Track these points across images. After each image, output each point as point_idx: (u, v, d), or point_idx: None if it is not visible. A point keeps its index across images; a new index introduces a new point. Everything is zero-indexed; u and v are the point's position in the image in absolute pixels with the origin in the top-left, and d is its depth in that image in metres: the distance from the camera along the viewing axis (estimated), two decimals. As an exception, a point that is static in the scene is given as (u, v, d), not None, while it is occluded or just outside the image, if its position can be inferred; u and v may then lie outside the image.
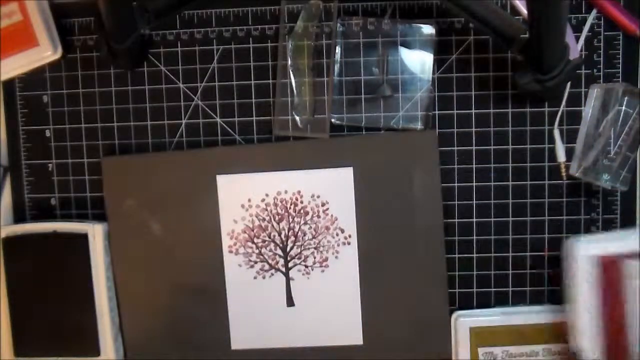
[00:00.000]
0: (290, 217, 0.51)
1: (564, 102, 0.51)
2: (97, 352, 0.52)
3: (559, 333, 0.50)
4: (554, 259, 0.52)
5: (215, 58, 0.53)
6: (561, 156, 0.51)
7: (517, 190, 0.52)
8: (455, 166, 0.52)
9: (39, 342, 0.53)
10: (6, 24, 0.51)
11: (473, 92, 0.52)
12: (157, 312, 0.53)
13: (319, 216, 0.51)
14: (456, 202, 0.52)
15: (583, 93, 0.51)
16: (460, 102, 0.52)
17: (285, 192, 0.51)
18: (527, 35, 0.44)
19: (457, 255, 0.52)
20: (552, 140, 0.51)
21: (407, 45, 0.51)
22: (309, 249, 0.51)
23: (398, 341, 0.51)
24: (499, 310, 0.52)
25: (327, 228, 0.51)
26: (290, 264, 0.52)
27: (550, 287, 0.52)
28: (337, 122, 0.52)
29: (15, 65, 0.52)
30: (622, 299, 0.46)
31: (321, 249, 0.51)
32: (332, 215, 0.51)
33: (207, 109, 0.53)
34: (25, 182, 0.55)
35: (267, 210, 0.51)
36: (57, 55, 0.52)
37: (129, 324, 0.53)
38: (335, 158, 0.51)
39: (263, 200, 0.51)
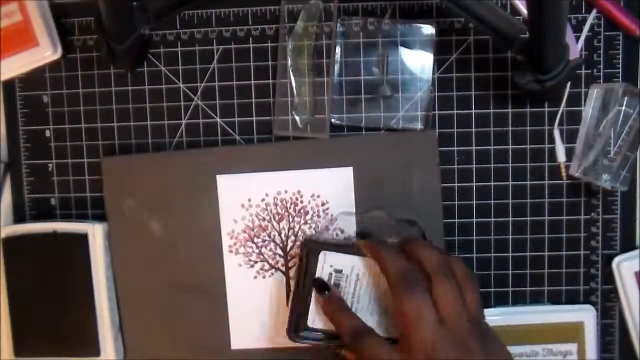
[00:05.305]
0: (290, 216, 0.51)
1: (564, 102, 0.51)
2: (97, 352, 0.52)
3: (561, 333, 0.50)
4: (555, 258, 0.52)
5: (215, 58, 0.53)
6: (561, 156, 0.51)
7: (517, 190, 0.52)
8: (455, 166, 0.52)
9: (39, 342, 0.53)
10: (6, 24, 0.51)
11: (473, 92, 0.52)
12: (157, 312, 0.53)
13: (319, 216, 0.51)
14: (456, 202, 0.52)
15: (583, 93, 0.51)
16: (460, 102, 0.52)
17: (285, 191, 0.51)
18: (527, 35, 0.44)
19: (457, 256, 0.52)
20: (552, 140, 0.51)
21: (407, 45, 0.51)
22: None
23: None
24: (499, 310, 0.52)
25: (327, 228, 0.51)
26: (290, 264, 0.52)
27: (550, 287, 0.52)
28: (337, 122, 0.52)
29: (15, 65, 0.52)
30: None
31: (321, 249, 0.51)
32: (332, 215, 0.51)
33: (207, 109, 0.53)
34: (25, 182, 0.55)
35: (267, 210, 0.51)
36: (57, 55, 0.52)
37: (129, 324, 0.53)
38: (335, 158, 0.51)
39: (263, 200, 0.51)
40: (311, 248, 0.47)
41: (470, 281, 0.43)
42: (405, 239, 0.47)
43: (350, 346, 0.44)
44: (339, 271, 0.46)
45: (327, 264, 0.46)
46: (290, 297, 0.47)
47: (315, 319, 0.47)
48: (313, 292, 0.46)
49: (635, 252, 0.51)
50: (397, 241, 0.48)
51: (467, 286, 0.42)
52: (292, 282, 0.51)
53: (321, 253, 0.46)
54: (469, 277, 0.43)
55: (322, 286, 0.46)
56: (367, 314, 0.46)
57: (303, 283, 0.47)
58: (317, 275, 0.46)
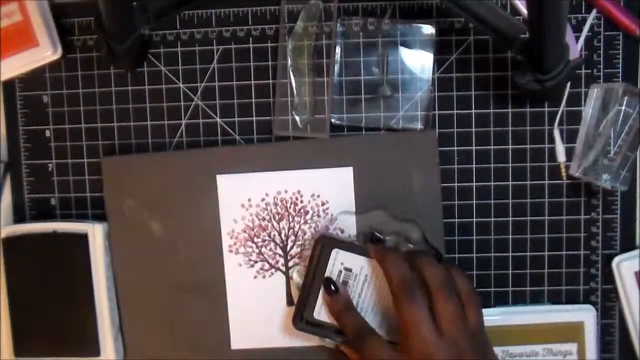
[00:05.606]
0: (290, 216, 0.51)
1: (564, 102, 0.51)
2: (97, 352, 0.52)
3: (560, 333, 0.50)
4: (555, 258, 0.52)
5: (215, 58, 0.53)
6: (561, 156, 0.51)
7: (517, 190, 0.52)
8: (455, 166, 0.52)
9: (39, 342, 0.53)
10: (6, 24, 0.51)
11: (473, 92, 0.52)
12: (157, 312, 0.53)
13: (319, 215, 0.51)
14: (456, 202, 0.52)
15: (583, 93, 0.51)
16: (460, 102, 0.52)
17: (285, 191, 0.51)
18: (527, 35, 0.44)
19: (457, 255, 0.52)
20: (552, 140, 0.51)
21: (407, 45, 0.51)
22: (309, 248, 0.51)
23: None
24: (499, 310, 0.52)
25: (327, 228, 0.51)
26: (290, 263, 0.52)
27: (550, 287, 0.52)
28: (337, 122, 0.52)
29: (15, 65, 0.52)
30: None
31: (321, 248, 0.51)
32: (332, 215, 0.51)
33: (207, 109, 0.53)
34: (25, 182, 0.55)
35: (267, 209, 0.51)
36: (57, 55, 0.52)
37: (129, 324, 0.53)
38: (335, 158, 0.51)
39: (263, 199, 0.51)
40: (325, 244, 0.48)
41: (473, 298, 0.44)
42: (412, 251, 0.48)
43: (353, 345, 0.45)
44: (349, 270, 0.47)
45: (338, 261, 0.47)
46: (301, 286, 0.49)
47: (322, 312, 0.48)
48: (322, 288, 0.48)
49: (635, 252, 0.51)
50: (405, 250, 0.49)
51: (469, 303, 0.43)
52: (291, 283, 0.52)
53: (334, 250, 0.47)
54: (471, 294, 0.44)
55: (331, 285, 0.47)
56: (371, 315, 0.47)
57: (313, 276, 0.48)
58: (328, 270, 0.47)
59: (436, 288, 0.43)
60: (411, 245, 0.50)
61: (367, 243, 0.48)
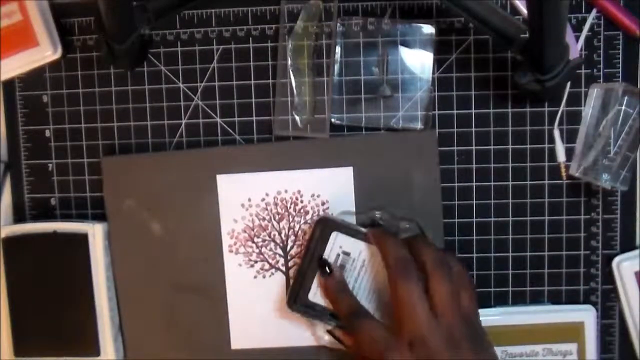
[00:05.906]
0: (290, 216, 0.51)
1: (564, 102, 0.51)
2: (97, 352, 0.52)
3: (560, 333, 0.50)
4: (555, 258, 0.52)
5: (215, 58, 0.53)
6: (561, 156, 0.51)
7: (517, 190, 0.52)
8: (455, 166, 0.52)
9: (39, 342, 0.53)
10: (6, 24, 0.51)
11: (473, 92, 0.52)
12: (157, 312, 0.53)
13: (319, 215, 0.51)
14: (456, 202, 0.52)
15: (583, 93, 0.51)
16: (460, 102, 0.52)
17: (285, 191, 0.51)
18: (527, 35, 0.44)
19: (457, 255, 0.52)
20: (552, 140, 0.51)
21: (407, 45, 0.51)
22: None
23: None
24: (499, 310, 0.52)
25: (327, 228, 0.51)
26: (290, 263, 0.52)
27: (550, 287, 0.52)
28: (337, 122, 0.52)
29: (15, 65, 0.52)
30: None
31: (321, 248, 0.51)
32: (332, 215, 0.51)
33: (207, 109, 0.53)
34: (25, 182, 0.55)
35: (267, 209, 0.51)
36: (57, 55, 0.52)
37: (129, 324, 0.53)
38: (335, 158, 0.51)
39: (263, 199, 0.51)
40: (325, 226, 0.48)
41: (467, 282, 0.44)
42: (411, 236, 0.48)
43: (346, 325, 0.45)
44: (347, 254, 0.47)
45: (337, 244, 0.48)
46: (295, 268, 0.48)
47: (317, 294, 0.48)
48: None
49: (635, 252, 0.51)
50: (404, 236, 0.49)
51: (463, 287, 0.44)
52: (291, 280, 0.52)
53: (333, 233, 0.47)
54: (466, 278, 0.44)
55: (326, 267, 0.47)
56: (366, 301, 0.47)
57: (311, 257, 0.48)
58: (326, 252, 0.47)
59: (432, 268, 0.43)
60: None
61: (367, 228, 0.48)
